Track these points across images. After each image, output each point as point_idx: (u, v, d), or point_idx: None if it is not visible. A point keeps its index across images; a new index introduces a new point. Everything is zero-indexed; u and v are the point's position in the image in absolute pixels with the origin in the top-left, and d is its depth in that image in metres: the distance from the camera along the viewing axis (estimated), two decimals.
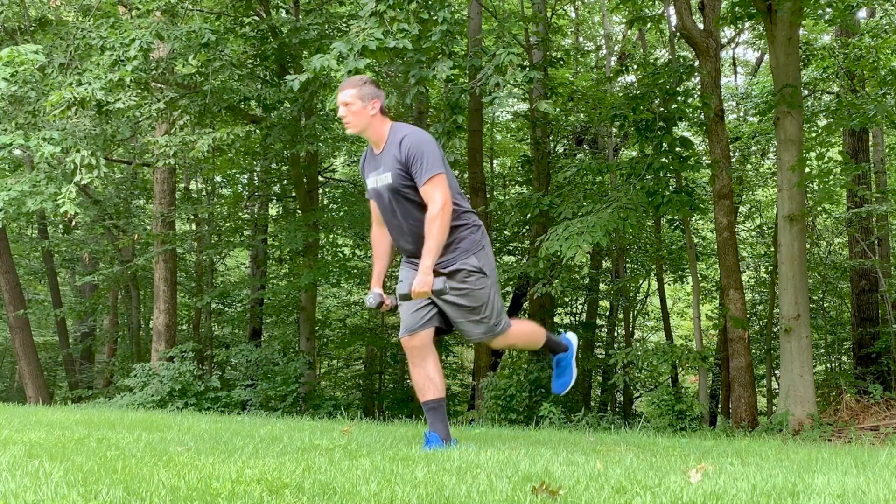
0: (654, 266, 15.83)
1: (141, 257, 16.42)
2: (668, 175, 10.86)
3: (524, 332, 4.53)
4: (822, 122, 13.86)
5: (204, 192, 18.92)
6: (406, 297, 4.04)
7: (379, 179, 4.13)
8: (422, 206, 4.04)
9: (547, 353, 4.74)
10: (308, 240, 13.80)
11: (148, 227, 17.07)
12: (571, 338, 4.66)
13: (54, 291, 20.19)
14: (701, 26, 10.62)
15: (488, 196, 15.14)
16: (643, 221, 13.71)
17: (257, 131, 12.64)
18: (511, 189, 18.79)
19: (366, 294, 4.76)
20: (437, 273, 3.99)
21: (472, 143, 13.43)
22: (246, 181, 19.07)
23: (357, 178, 17.95)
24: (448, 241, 4.04)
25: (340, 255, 16.70)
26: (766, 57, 14.93)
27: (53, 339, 22.38)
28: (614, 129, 15.27)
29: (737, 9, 10.39)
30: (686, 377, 18.09)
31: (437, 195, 3.96)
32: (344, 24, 12.37)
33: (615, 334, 18.75)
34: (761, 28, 13.57)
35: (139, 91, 10.97)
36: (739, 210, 16.36)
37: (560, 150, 16.56)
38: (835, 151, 14.36)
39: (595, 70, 18.10)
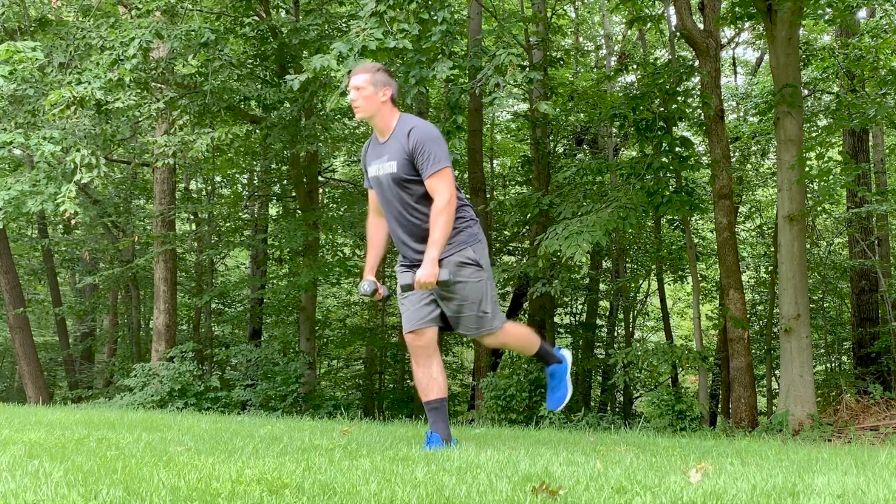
0: (654, 266, 15.83)
1: (141, 257, 16.41)
2: (668, 175, 10.86)
3: (518, 333, 4.49)
4: (822, 122, 13.85)
5: (204, 192, 18.93)
6: (409, 287, 4.00)
7: (382, 168, 4.12)
8: (421, 198, 4.05)
9: (539, 361, 4.65)
10: (308, 239, 13.80)
11: (148, 227, 17.06)
12: (566, 354, 4.57)
13: (54, 291, 20.19)
14: (701, 26, 10.61)
15: (488, 196, 15.14)
16: (643, 221, 13.70)
17: (257, 131, 12.64)
18: (511, 189, 18.79)
19: (359, 282, 4.70)
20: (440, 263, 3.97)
21: (472, 143, 13.44)
22: (246, 181, 19.08)
23: (357, 177, 17.95)
24: None
25: (340, 254, 16.71)
26: (766, 57, 14.93)
27: (53, 339, 22.37)
28: (614, 129, 15.26)
29: (737, 9, 10.39)
30: (686, 377, 18.09)
31: (444, 188, 3.97)
32: (344, 24, 12.36)
33: (615, 334, 18.75)
34: (761, 28, 13.56)
35: (139, 91, 10.97)
36: (739, 210, 16.35)
37: (560, 150, 16.55)
38: (835, 151, 14.35)
39: (595, 70, 18.09)
